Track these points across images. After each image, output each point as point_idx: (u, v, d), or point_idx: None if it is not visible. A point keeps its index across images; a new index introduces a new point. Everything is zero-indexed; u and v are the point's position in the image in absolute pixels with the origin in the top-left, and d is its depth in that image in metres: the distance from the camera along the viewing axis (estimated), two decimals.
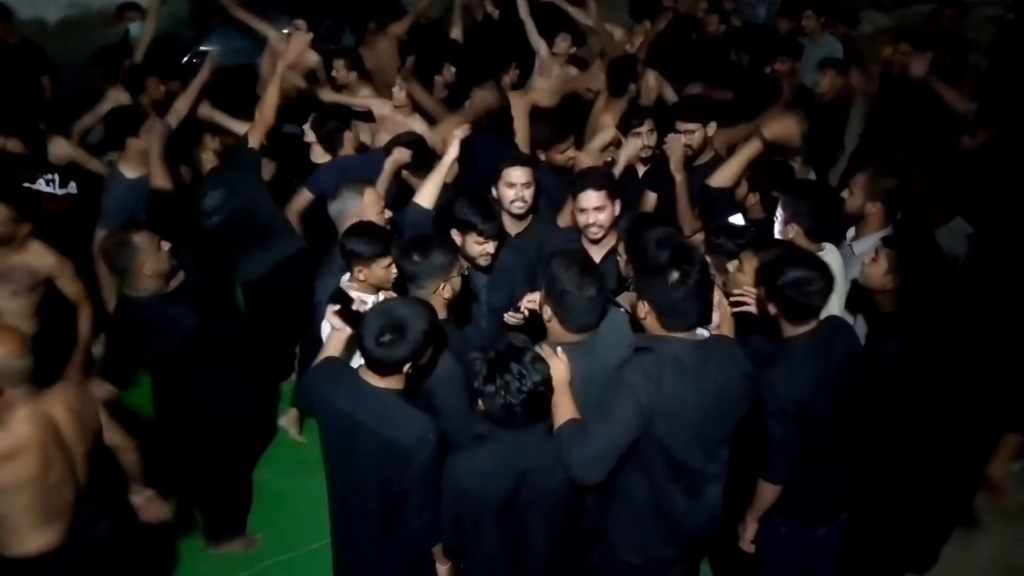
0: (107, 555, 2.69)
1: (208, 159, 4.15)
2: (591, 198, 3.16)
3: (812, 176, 3.85)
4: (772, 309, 2.57)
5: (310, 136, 4.36)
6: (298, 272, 3.85)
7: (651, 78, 5.04)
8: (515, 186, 3.34)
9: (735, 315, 2.69)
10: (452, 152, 3.29)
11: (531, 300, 2.75)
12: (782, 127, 3.41)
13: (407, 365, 2.31)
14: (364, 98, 4.88)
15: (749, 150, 3.40)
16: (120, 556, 2.75)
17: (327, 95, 4.78)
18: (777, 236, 3.11)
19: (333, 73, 5.12)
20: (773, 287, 2.51)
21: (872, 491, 2.87)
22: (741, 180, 3.49)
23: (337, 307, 2.57)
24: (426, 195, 3.22)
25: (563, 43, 5.37)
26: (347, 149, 4.11)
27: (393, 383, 2.34)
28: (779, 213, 3.10)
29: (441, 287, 2.65)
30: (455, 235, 3.05)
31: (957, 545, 3.52)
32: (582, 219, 3.20)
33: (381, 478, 2.35)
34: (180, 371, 3.20)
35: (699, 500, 2.40)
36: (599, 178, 3.25)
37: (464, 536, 2.35)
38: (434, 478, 2.31)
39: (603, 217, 3.17)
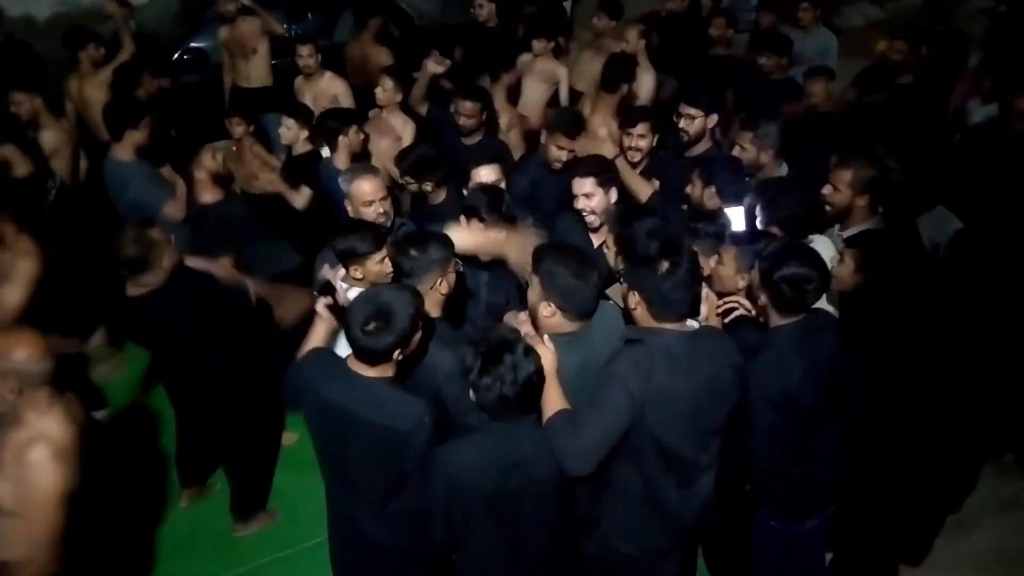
0: (100, 555, 2.68)
1: (201, 177, 4.04)
2: (584, 184, 3.24)
3: (784, 169, 3.80)
4: (762, 299, 2.55)
5: (288, 131, 4.33)
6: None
7: (647, 79, 5.01)
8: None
9: (724, 315, 2.70)
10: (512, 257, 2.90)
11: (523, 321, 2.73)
12: None
13: (396, 352, 2.30)
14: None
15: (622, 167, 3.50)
16: (114, 557, 2.74)
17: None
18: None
19: (297, 58, 5.19)
20: (769, 279, 2.48)
21: (865, 483, 2.88)
22: (694, 179, 3.47)
23: (327, 299, 2.56)
24: (459, 241, 2.81)
25: (539, 44, 5.36)
26: (342, 154, 4.06)
27: (383, 372, 2.33)
28: (759, 213, 3.12)
29: (438, 282, 2.64)
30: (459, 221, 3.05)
31: (951, 535, 3.54)
32: (576, 204, 3.28)
33: (379, 464, 2.35)
34: (192, 356, 3.27)
35: (691, 490, 2.41)
36: (590, 165, 3.31)
37: (455, 528, 2.34)
38: (432, 460, 2.32)
39: (594, 203, 3.25)
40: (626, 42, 5.10)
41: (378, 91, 4.64)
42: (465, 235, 2.91)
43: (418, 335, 2.36)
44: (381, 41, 5.01)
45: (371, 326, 2.24)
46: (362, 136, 4.05)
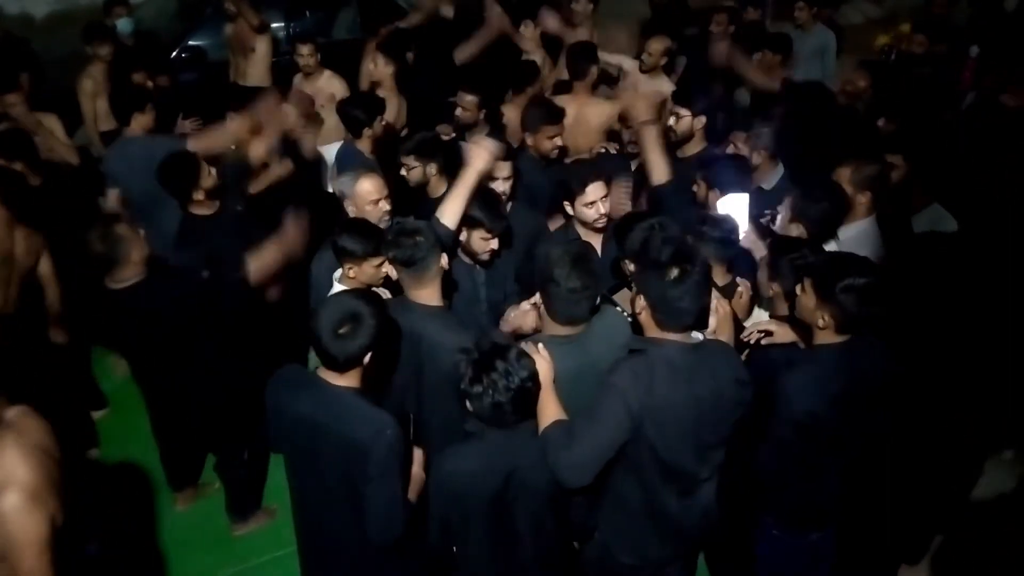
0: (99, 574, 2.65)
1: (198, 199, 3.81)
2: (599, 189, 3.19)
3: (780, 169, 3.79)
4: (822, 321, 2.37)
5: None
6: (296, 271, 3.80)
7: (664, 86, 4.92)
8: (496, 180, 3.36)
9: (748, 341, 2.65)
10: (477, 166, 2.96)
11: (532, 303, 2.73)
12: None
13: (367, 356, 2.26)
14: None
15: (651, 136, 3.43)
16: (113, 556, 2.73)
17: None
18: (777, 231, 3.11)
19: (297, 57, 5.18)
20: (829, 293, 2.33)
21: (864, 483, 2.86)
22: (698, 181, 3.44)
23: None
24: (449, 213, 2.92)
25: (527, 29, 5.41)
26: (367, 143, 4.08)
27: (352, 380, 2.30)
28: (783, 210, 3.09)
29: (443, 260, 2.65)
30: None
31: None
32: (591, 212, 3.21)
33: (344, 478, 2.30)
34: (173, 355, 3.23)
35: (692, 501, 2.37)
36: (590, 167, 3.29)
37: (452, 536, 2.32)
38: (393, 475, 2.24)
39: (608, 204, 3.24)
40: (648, 55, 4.96)
41: (370, 66, 4.62)
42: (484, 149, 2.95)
43: (384, 340, 2.31)
44: (384, 50, 4.94)
45: (344, 329, 2.20)
46: (384, 123, 4.09)
